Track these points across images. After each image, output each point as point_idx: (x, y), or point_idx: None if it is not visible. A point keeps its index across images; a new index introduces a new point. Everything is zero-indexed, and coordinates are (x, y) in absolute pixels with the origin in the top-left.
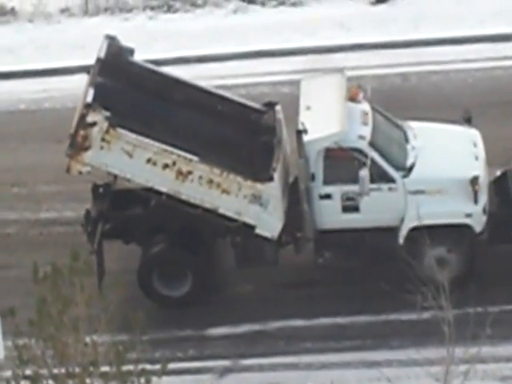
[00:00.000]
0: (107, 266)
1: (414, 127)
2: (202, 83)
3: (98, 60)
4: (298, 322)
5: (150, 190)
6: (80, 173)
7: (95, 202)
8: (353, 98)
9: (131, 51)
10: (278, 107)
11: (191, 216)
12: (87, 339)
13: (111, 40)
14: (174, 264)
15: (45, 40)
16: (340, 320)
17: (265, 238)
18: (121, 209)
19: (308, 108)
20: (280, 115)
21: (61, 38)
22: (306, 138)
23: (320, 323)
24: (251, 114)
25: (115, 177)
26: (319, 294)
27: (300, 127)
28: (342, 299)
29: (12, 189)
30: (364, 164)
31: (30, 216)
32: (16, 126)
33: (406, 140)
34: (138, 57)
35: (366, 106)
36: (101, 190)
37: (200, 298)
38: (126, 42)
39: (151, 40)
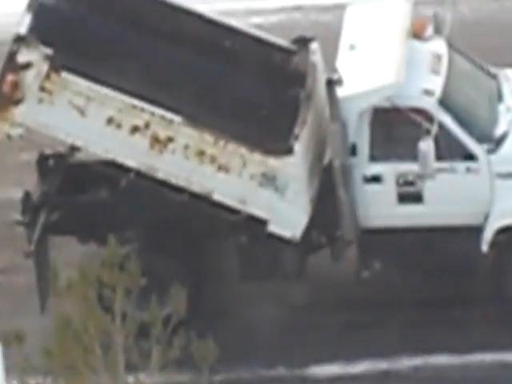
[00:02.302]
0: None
1: None
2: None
3: None
4: (442, 359)
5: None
6: (9, 137)
7: (41, 180)
8: (419, 34)
9: None
10: (313, 45)
11: (174, 204)
12: (129, 379)
13: None
14: (151, 273)
15: None
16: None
17: (282, 239)
18: (76, 191)
19: (352, 47)
20: (316, 57)
21: None
22: (342, 92)
23: (475, 360)
24: (273, 54)
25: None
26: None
27: (333, 76)
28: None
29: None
30: (429, 132)
31: None
32: None
33: (499, 97)
34: None
35: (439, 46)
36: (50, 162)
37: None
38: None
39: None
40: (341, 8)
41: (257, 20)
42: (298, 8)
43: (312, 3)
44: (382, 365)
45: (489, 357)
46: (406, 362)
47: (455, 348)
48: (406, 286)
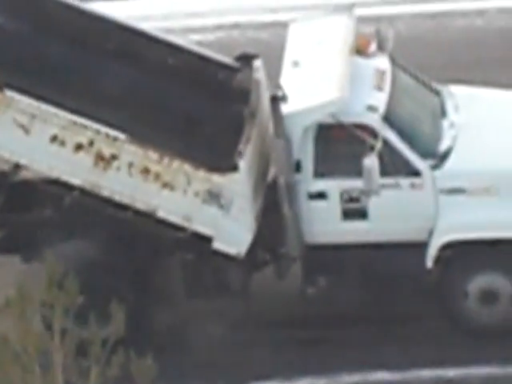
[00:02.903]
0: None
1: (458, 94)
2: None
3: None
4: (381, 375)
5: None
6: None
7: None
8: (363, 50)
9: None
10: (257, 62)
11: (118, 222)
12: None
13: None
14: (94, 293)
15: None
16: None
17: (228, 256)
18: (21, 210)
19: (295, 64)
20: (259, 74)
21: None
22: (286, 108)
23: (414, 377)
24: (216, 71)
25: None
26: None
27: (277, 92)
28: None
29: None
30: (373, 148)
31: None
32: None
33: (443, 113)
34: None
35: (383, 62)
36: None
37: (133, 342)
38: None
39: None
40: (279, 25)
41: (195, 37)
42: (235, 26)
43: (250, 21)
44: (321, 381)
45: (427, 373)
46: (346, 379)
47: (394, 364)
48: (350, 303)
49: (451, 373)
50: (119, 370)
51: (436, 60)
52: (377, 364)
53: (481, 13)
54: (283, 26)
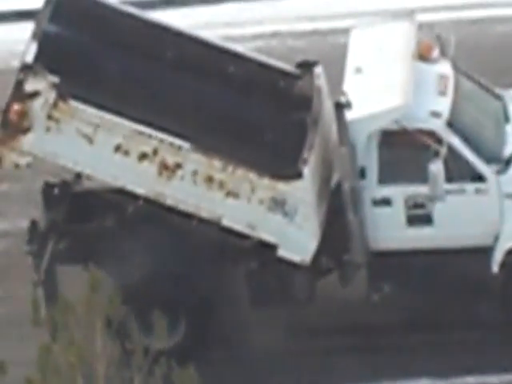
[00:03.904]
0: None
1: None
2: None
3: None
4: (425, 382)
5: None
6: (16, 166)
7: (47, 209)
8: (425, 55)
9: None
10: (317, 70)
11: (182, 230)
12: None
13: None
14: (159, 301)
15: None
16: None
17: (292, 264)
18: (84, 219)
19: (358, 70)
20: (320, 81)
21: None
22: (350, 115)
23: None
24: (277, 79)
25: (79, 173)
26: None
27: (341, 99)
28: None
29: None
30: (438, 154)
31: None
32: None
33: (506, 118)
34: None
35: (445, 68)
36: (56, 191)
37: (197, 351)
38: None
39: None
40: (317, 34)
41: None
42: (274, 34)
43: (288, 30)
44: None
45: (471, 380)
46: None
47: (438, 371)
48: (413, 309)
49: (495, 379)
50: (162, 380)
51: (476, 65)
52: (421, 371)
53: None
54: (321, 34)
